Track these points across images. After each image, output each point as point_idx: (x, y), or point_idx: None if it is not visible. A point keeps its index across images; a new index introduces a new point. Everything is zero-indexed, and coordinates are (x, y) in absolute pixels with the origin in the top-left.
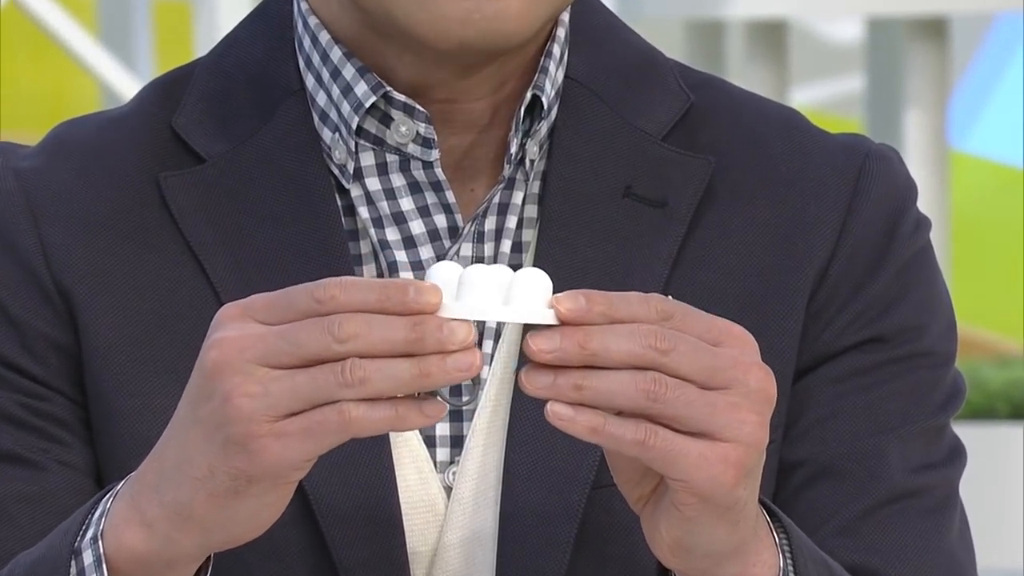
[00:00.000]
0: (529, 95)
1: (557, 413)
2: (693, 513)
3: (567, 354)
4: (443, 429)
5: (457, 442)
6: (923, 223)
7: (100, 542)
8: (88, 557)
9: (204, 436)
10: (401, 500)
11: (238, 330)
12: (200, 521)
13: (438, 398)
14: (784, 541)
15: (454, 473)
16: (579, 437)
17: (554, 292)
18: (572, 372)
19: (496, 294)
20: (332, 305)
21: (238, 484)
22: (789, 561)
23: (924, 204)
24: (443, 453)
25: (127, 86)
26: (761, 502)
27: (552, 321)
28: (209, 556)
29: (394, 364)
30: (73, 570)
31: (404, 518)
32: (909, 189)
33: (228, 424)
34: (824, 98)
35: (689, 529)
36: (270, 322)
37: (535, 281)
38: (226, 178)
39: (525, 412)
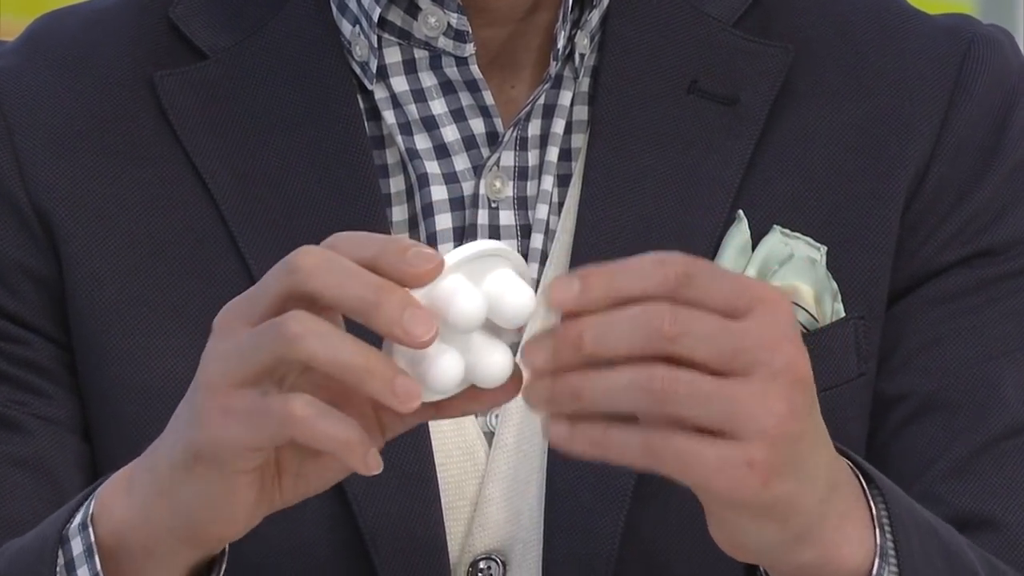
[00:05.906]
0: None
1: (557, 434)
2: (725, 517)
3: (564, 362)
4: None
5: None
6: None
7: (91, 528)
8: (77, 546)
9: (189, 398)
10: (434, 447)
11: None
12: (165, 494)
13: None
14: (883, 512)
15: (496, 416)
16: (582, 455)
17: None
18: (569, 377)
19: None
20: None
21: (187, 458)
22: (889, 537)
23: None
24: None
25: None
26: (855, 463)
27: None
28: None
29: (340, 340)
30: (61, 560)
31: (438, 469)
32: (1022, 78)
33: (198, 388)
34: None
35: (731, 531)
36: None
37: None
38: (231, 76)
39: None
